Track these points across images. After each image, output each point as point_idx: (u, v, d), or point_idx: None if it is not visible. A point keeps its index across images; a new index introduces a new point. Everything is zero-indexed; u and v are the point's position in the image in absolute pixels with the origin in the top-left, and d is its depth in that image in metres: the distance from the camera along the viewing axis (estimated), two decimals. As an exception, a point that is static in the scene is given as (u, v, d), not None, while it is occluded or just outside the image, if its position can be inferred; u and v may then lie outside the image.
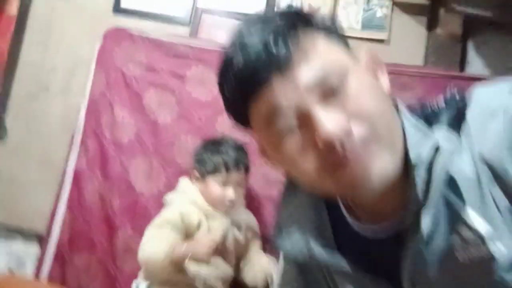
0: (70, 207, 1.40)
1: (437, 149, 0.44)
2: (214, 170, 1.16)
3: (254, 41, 0.44)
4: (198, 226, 1.13)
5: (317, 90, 0.43)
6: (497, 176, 0.43)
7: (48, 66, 1.61)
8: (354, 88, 0.43)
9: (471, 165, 0.45)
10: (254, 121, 0.47)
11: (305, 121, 0.43)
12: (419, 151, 0.44)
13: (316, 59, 0.43)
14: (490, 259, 0.43)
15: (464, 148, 0.46)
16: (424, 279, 0.46)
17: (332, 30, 0.47)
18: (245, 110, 0.46)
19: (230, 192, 1.16)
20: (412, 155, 0.44)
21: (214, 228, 1.14)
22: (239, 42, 0.45)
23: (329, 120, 0.41)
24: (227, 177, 1.16)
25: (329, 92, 0.43)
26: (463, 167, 0.45)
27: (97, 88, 1.47)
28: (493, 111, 0.44)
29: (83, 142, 1.43)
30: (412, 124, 0.47)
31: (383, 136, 0.43)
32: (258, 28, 0.44)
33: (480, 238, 0.43)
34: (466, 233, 0.44)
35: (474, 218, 0.44)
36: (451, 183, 0.45)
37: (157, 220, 1.13)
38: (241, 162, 1.18)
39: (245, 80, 0.44)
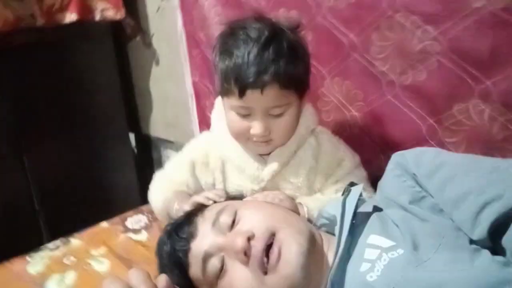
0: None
1: (348, 191, 0.61)
2: (222, 90, 0.71)
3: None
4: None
5: (218, 229, 0.61)
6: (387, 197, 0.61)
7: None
8: (244, 215, 0.61)
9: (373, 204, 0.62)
10: (196, 279, 0.62)
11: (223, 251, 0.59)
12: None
13: None
14: (391, 265, 0.50)
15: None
16: None
17: None
18: (189, 280, 0.63)
19: (255, 125, 0.70)
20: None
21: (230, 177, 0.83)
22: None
23: (234, 239, 0.56)
24: (244, 101, 0.68)
25: (228, 225, 0.61)
26: (367, 208, 0.61)
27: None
28: None
29: (189, 53, 1.23)
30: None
31: (279, 225, 0.59)
32: (169, 238, 0.67)
33: (383, 250, 0.52)
34: (371, 254, 0.53)
35: (377, 239, 0.54)
36: (358, 218, 0.58)
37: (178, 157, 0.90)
38: (270, 72, 0.65)
39: (177, 256, 0.64)
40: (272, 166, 0.77)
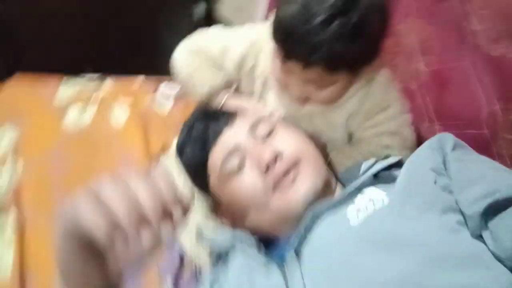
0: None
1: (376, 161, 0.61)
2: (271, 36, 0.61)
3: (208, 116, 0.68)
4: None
5: (253, 134, 0.62)
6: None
7: None
8: (280, 133, 0.62)
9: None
10: (212, 165, 0.63)
11: (248, 154, 0.60)
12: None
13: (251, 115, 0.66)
14: (374, 214, 0.51)
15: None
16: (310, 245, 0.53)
17: None
18: (205, 161, 0.64)
19: (291, 84, 0.65)
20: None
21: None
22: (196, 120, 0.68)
23: (263, 149, 0.59)
24: (284, 63, 0.61)
25: (263, 135, 0.62)
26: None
27: None
28: None
29: None
30: None
31: (305, 158, 0.59)
32: (206, 116, 0.68)
33: (371, 200, 0.53)
34: (361, 202, 0.53)
35: (374, 190, 0.55)
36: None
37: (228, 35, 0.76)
38: (318, 53, 0.54)
39: (207, 133, 0.65)
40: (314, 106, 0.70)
